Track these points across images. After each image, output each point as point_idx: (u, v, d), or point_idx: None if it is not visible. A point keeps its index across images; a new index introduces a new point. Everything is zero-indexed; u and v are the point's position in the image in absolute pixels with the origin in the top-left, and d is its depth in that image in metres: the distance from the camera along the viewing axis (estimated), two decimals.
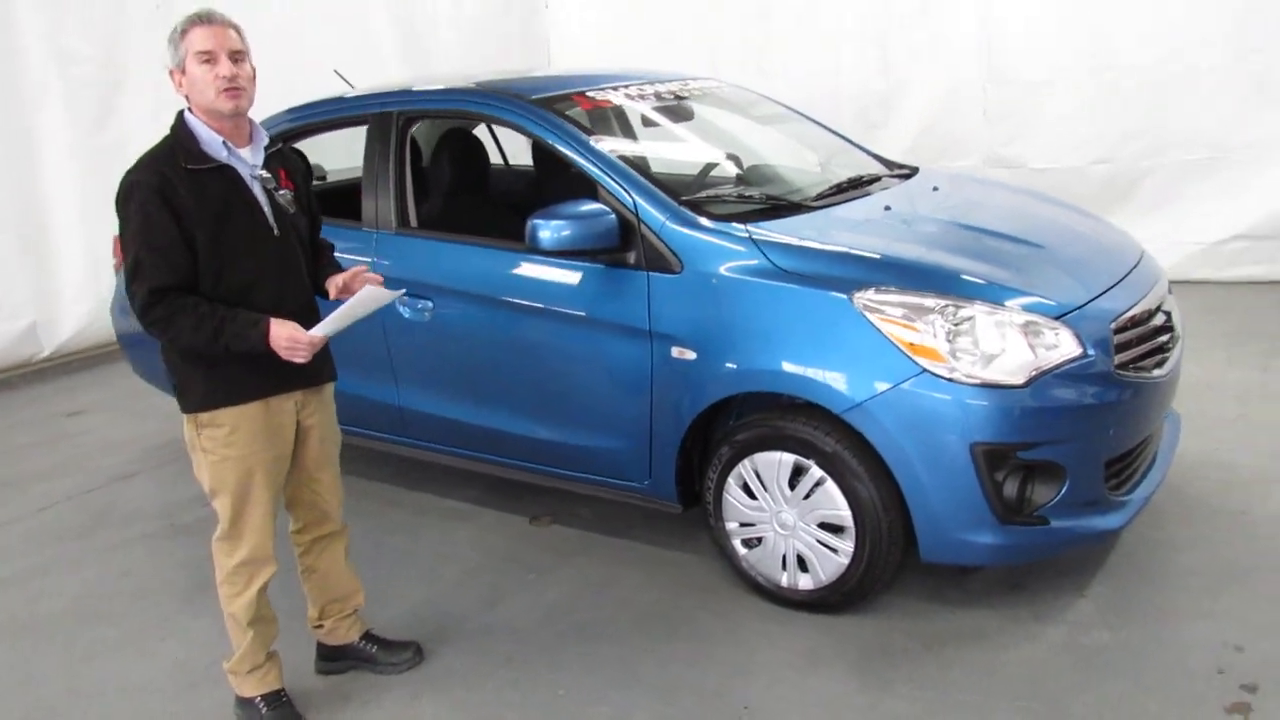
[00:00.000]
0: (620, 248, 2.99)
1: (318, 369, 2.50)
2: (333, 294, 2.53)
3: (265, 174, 2.40)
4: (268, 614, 2.60)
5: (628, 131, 3.85)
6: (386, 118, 3.63)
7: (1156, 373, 2.90)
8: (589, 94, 3.56)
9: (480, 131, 4.30)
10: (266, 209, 2.39)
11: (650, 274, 2.97)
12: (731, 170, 3.71)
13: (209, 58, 2.24)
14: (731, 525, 3.01)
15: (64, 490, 4.36)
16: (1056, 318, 2.68)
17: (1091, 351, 2.66)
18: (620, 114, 3.83)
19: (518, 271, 3.23)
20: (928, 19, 6.83)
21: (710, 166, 3.73)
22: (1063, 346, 2.64)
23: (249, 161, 2.37)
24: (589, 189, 3.14)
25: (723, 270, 2.88)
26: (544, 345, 3.21)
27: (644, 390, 3.02)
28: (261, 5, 6.77)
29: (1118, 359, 2.74)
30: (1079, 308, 2.75)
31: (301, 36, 6.96)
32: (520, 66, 7.87)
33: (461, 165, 3.91)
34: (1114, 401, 2.72)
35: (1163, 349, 2.98)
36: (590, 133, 3.32)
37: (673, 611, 3.03)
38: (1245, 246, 6.04)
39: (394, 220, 3.56)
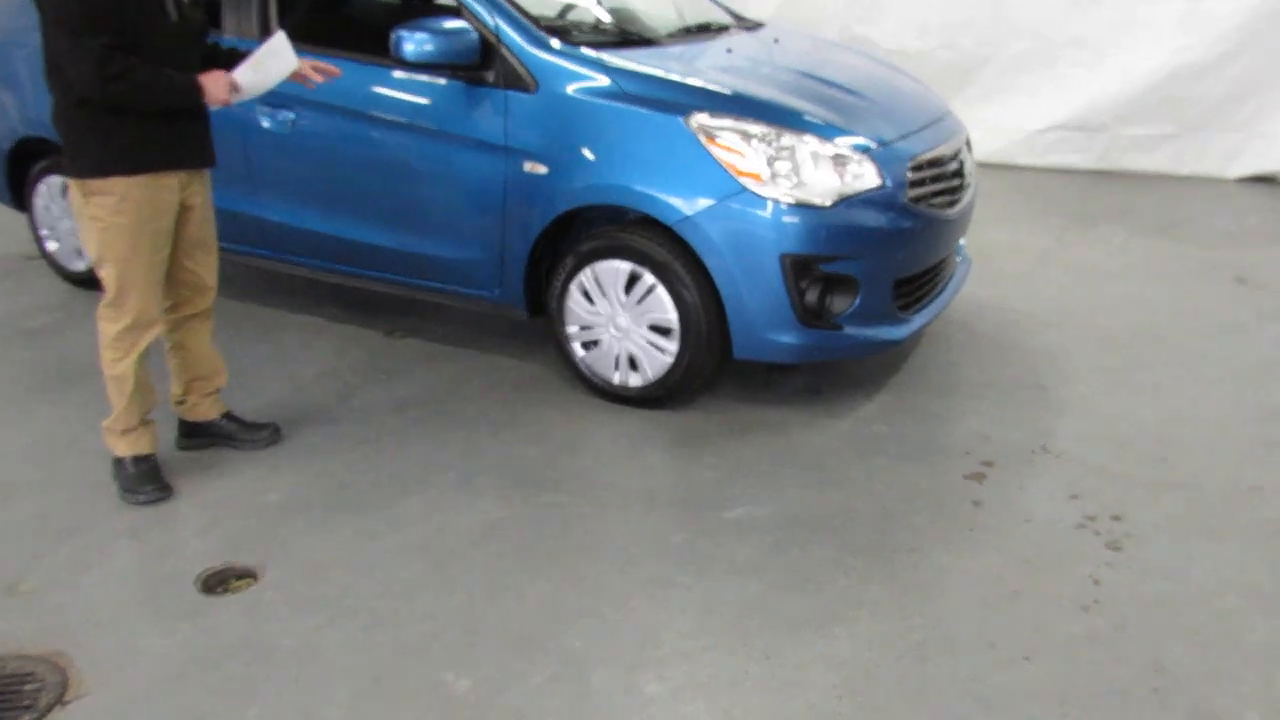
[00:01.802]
0: (480, 65, 3.29)
1: (202, 151, 2.78)
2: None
3: None
4: (147, 382, 2.87)
5: None
6: None
7: (947, 211, 3.45)
8: None
9: None
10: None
11: (508, 92, 3.28)
12: (591, 6, 4.01)
13: None
14: (573, 329, 3.44)
15: None
16: (864, 152, 3.16)
17: (890, 184, 3.17)
18: None
19: (380, 85, 3.48)
20: None
21: (570, 5, 4.02)
22: (866, 177, 3.13)
23: None
24: (445, 14, 3.38)
25: (574, 91, 3.22)
26: (403, 159, 3.49)
27: (497, 203, 3.36)
28: None
29: (912, 193, 3.26)
30: (884, 145, 3.24)
31: None
32: None
33: None
34: (905, 229, 3.24)
35: (954, 190, 3.53)
36: None
37: (516, 405, 3.46)
38: (1061, 136, 6.76)
39: (256, 31, 3.71)
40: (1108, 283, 4.61)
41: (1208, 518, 2.78)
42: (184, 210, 2.79)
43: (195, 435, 3.15)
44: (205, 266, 2.93)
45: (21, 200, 4.49)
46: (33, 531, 2.73)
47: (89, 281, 4.38)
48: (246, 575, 2.56)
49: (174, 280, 2.89)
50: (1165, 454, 3.12)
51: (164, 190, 2.69)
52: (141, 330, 2.77)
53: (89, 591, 2.49)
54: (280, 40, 2.72)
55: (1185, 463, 3.07)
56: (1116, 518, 2.77)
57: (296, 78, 2.84)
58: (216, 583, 2.54)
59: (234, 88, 2.65)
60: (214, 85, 2.63)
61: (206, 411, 3.13)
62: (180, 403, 3.11)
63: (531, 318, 3.57)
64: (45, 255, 4.50)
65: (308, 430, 3.27)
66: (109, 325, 2.76)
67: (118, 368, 2.79)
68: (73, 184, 2.64)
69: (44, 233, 4.45)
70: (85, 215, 2.65)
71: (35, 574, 2.55)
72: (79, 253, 4.37)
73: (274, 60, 2.70)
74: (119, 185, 2.60)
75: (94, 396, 3.39)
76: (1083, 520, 2.77)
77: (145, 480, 2.88)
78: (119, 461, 2.90)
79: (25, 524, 2.77)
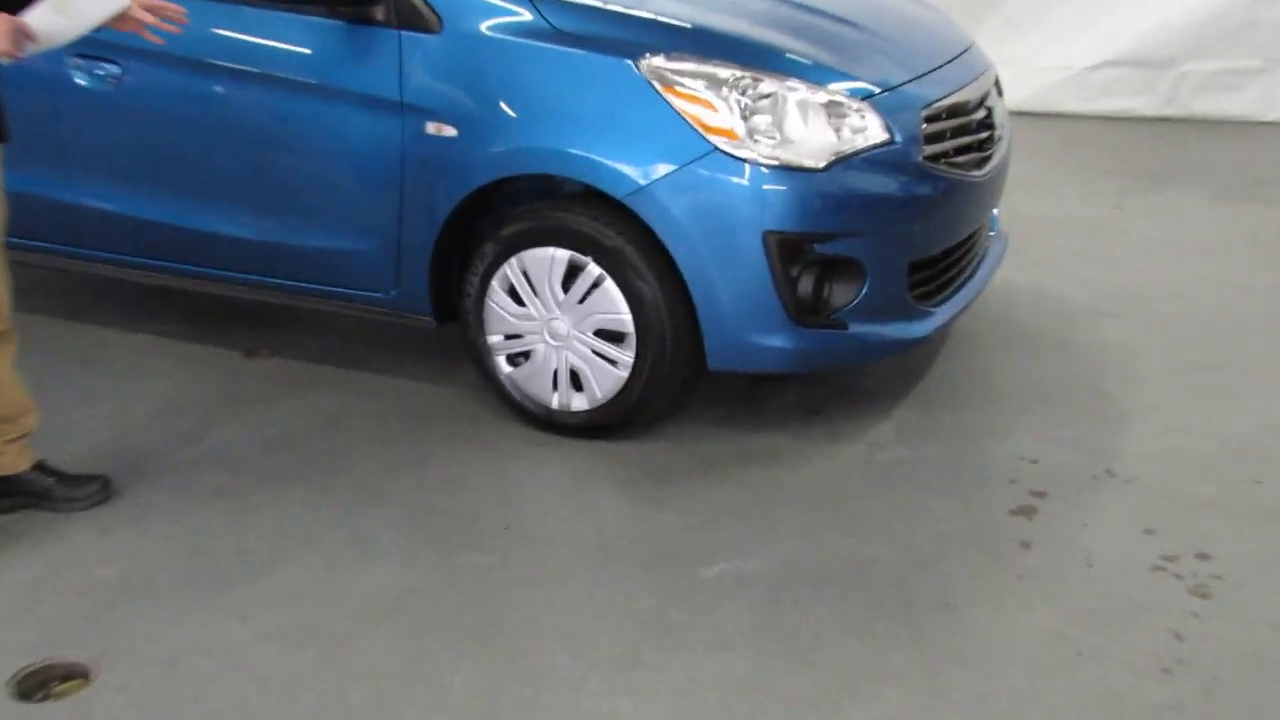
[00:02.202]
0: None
1: None
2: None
3: None
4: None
5: None
6: None
7: (974, 172, 3.58)
8: None
9: None
10: None
11: (402, 33, 3.34)
12: None
13: None
14: (495, 339, 3.50)
15: None
16: (865, 100, 3.27)
17: (900, 139, 3.27)
18: None
19: (233, 27, 3.53)
20: None
21: None
22: (869, 131, 3.24)
23: None
24: None
25: (489, 30, 3.30)
26: (265, 123, 3.54)
27: (392, 177, 3.42)
28: None
29: (928, 150, 3.37)
30: (890, 90, 3.35)
31: None
32: None
33: None
34: (921, 196, 3.35)
35: (982, 146, 3.66)
36: None
37: (423, 441, 3.51)
38: (1116, 75, 7.00)
39: None
40: (1181, 261, 4.78)
41: None
42: None
43: (2, 494, 3.15)
44: None
45: None
46: None
47: None
48: (75, 675, 2.56)
49: None
50: (1260, 474, 3.25)
51: None
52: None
53: None
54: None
55: None
56: (1202, 556, 2.89)
57: (126, 24, 2.84)
58: (35, 686, 2.54)
59: (25, 35, 2.61)
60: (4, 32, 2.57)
61: (12, 463, 3.12)
62: None
63: (440, 326, 3.63)
64: None
65: (147, 483, 3.28)
66: None
67: None
68: None
69: None
70: None
71: None
72: None
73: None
74: None
75: None
76: (1160, 561, 2.88)
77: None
78: None
79: None
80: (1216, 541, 2.95)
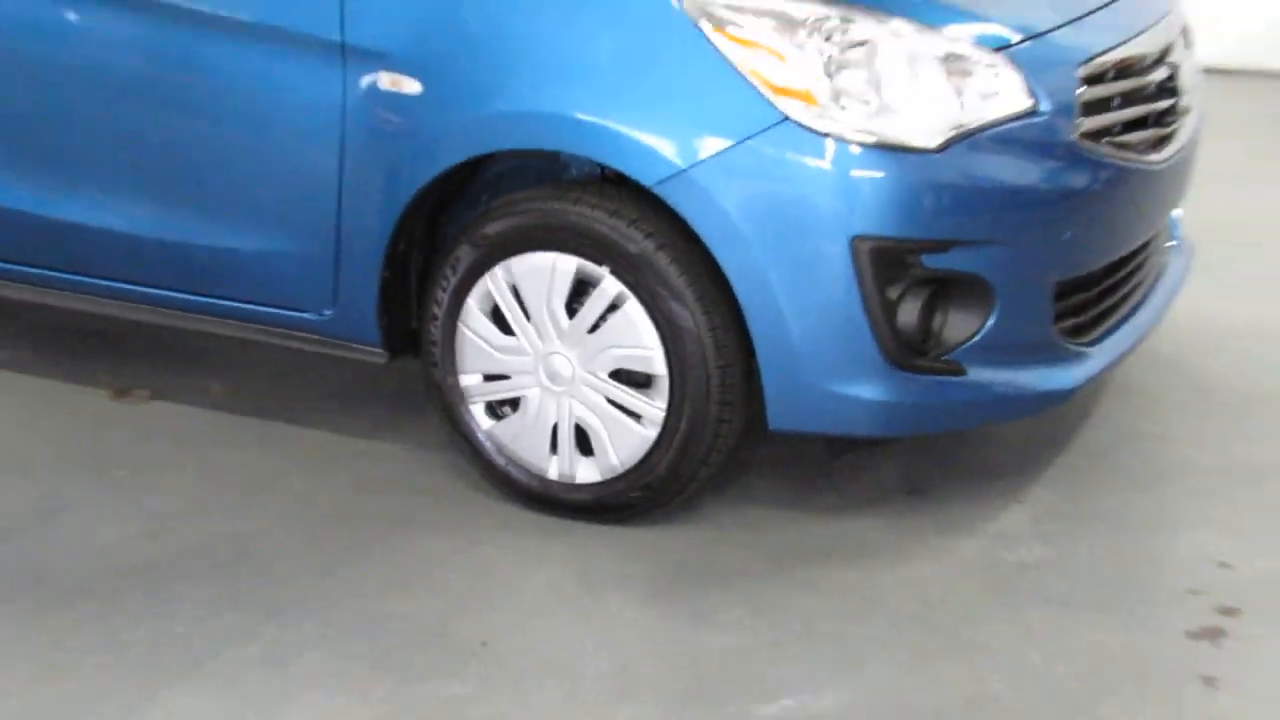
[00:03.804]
0: None
1: None
2: None
3: None
4: None
5: None
6: None
7: (1151, 156, 3.66)
8: None
9: None
10: None
11: None
12: None
13: None
14: (470, 379, 3.58)
15: None
16: (998, 50, 3.35)
17: (1046, 107, 3.35)
18: None
19: None
20: None
21: None
22: (1004, 96, 3.31)
23: None
24: None
25: None
26: (149, 68, 3.66)
27: (328, 148, 3.51)
28: None
29: (1086, 124, 3.45)
30: (1033, 38, 3.43)
31: None
32: None
33: None
34: (1074, 189, 3.43)
35: (1162, 121, 3.73)
36: None
37: (368, 524, 3.59)
38: None
39: None
40: None
41: None
42: None
43: None
44: None
45: None
46: None
47: None
48: None
49: None
50: None
51: None
52: None
53: None
54: None
55: None
56: None
57: None
58: None
59: None
60: None
61: None
62: None
63: (393, 360, 3.71)
64: None
65: None
66: None
67: None
68: None
69: None
70: None
71: None
72: None
73: None
74: None
75: None
76: None
77: None
78: None
79: None
80: None
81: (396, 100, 3.44)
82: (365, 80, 3.45)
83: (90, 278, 3.91)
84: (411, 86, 3.42)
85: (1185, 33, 4.05)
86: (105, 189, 3.79)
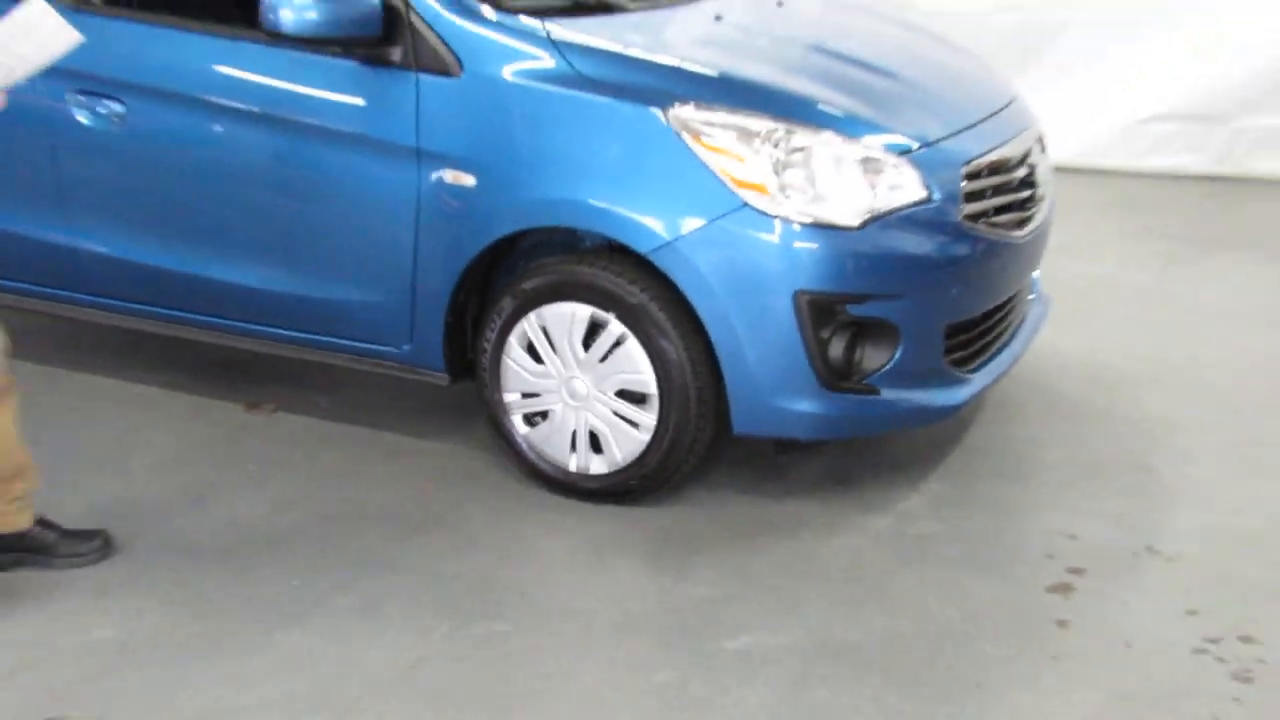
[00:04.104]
0: (383, 39, 3.49)
1: None
2: None
3: None
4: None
5: None
6: None
7: (1015, 232, 3.71)
8: None
9: None
10: None
11: (420, 75, 3.49)
12: None
13: None
14: (511, 396, 3.62)
15: None
16: (902, 154, 3.41)
17: (938, 196, 3.41)
18: None
19: (243, 67, 3.68)
20: None
21: None
22: (906, 188, 3.37)
23: None
24: None
25: (511, 75, 3.45)
26: (274, 166, 3.69)
27: (407, 225, 3.55)
28: None
29: (967, 209, 3.51)
30: (929, 145, 3.49)
31: None
32: None
33: None
34: (959, 257, 3.49)
35: (1024, 205, 3.79)
36: None
37: (433, 503, 3.63)
38: (1167, 131, 7.12)
39: None
40: (1231, 329, 4.89)
41: None
42: None
43: (4, 550, 3.23)
44: None
45: None
46: None
47: None
48: None
49: None
50: None
51: None
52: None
53: None
54: (39, 8, 2.74)
55: None
56: (1246, 639, 2.98)
57: None
58: None
59: None
60: None
61: (13, 521, 3.21)
62: None
63: (454, 382, 3.75)
64: None
65: (146, 542, 3.39)
66: None
67: None
68: None
69: None
70: None
71: None
72: None
73: (29, 39, 2.74)
74: None
75: None
76: (1202, 643, 2.97)
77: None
78: None
79: None
80: (1261, 624, 3.04)
81: (457, 190, 3.48)
82: (434, 176, 3.49)
83: (230, 320, 3.94)
84: (468, 181, 3.47)
85: (1040, 140, 4.10)
86: (243, 255, 3.82)
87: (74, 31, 2.84)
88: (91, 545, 3.29)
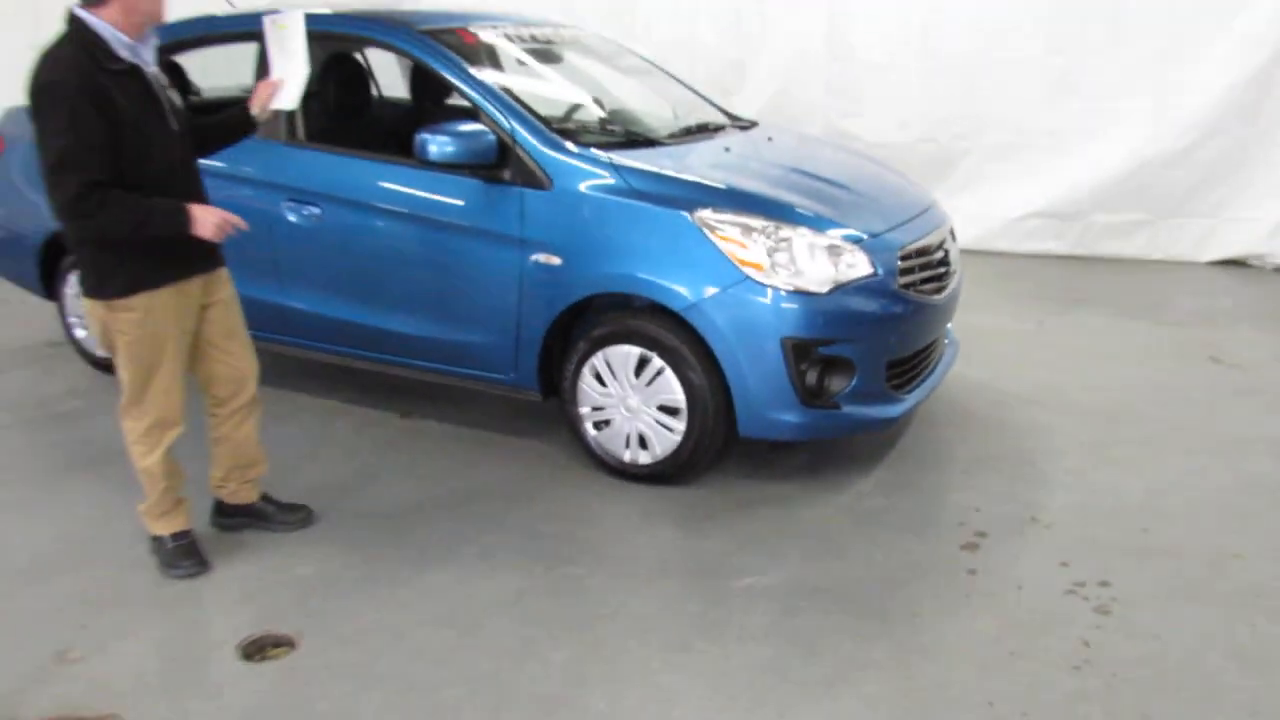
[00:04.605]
0: (497, 165, 3.54)
1: (213, 253, 2.92)
2: (256, 109, 3.03)
3: (160, 73, 2.75)
4: (175, 469, 3.02)
5: (504, 66, 4.35)
6: None
7: (935, 296, 3.69)
8: (471, 29, 4.08)
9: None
10: (166, 105, 2.74)
11: (523, 189, 3.52)
12: (595, 109, 4.31)
13: None
14: (585, 410, 3.63)
15: None
16: (855, 243, 3.41)
17: (881, 272, 3.41)
18: (498, 49, 4.32)
19: (401, 183, 3.72)
20: None
21: (576, 106, 4.32)
22: (859, 266, 3.37)
23: (148, 62, 2.69)
24: (461, 119, 3.64)
25: (586, 189, 3.47)
26: (424, 251, 3.72)
27: (513, 291, 3.58)
28: None
29: (902, 280, 3.50)
30: (874, 236, 3.49)
31: None
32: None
33: (348, 86, 4.35)
34: (896, 314, 3.47)
35: (940, 278, 3.77)
36: (472, 63, 3.84)
37: (531, 483, 3.63)
38: (1039, 224, 7.08)
39: (284, 132, 3.97)
40: (1089, 363, 4.85)
41: (1191, 583, 2.96)
42: (207, 309, 2.93)
43: (232, 515, 3.27)
44: (240, 355, 3.07)
45: (51, 290, 4.71)
46: (75, 605, 2.87)
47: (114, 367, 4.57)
48: (284, 643, 2.70)
49: (214, 376, 3.03)
50: (1149, 524, 3.31)
51: (185, 297, 2.83)
52: (164, 429, 2.91)
53: (135, 659, 2.63)
54: (293, 20, 2.97)
55: (1168, 531, 3.26)
56: (1104, 584, 2.95)
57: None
58: (255, 650, 2.68)
59: (228, 223, 2.72)
60: (205, 218, 2.68)
61: (245, 496, 3.25)
62: (220, 486, 3.23)
63: (545, 400, 3.76)
64: (73, 341, 4.70)
65: (333, 507, 3.42)
66: (133, 424, 2.90)
67: (145, 461, 2.93)
68: (93, 304, 2.77)
69: (72, 320, 4.66)
70: (111, 330, 2.78)
71: (82, 643, 2.69)
72: None
73: (288, 45, 2.96)
74: (141, 301, 2.73)
75: (123, 477, 3.54)
76: (1072, 586, 2.94)
77: (183, 556, 3.03)
78: (157, 539, 3.04)
79: (68, 598, 2.91)
80: (1115, 573, 3.01)
81: (548, 268, 3.50)
82: (532, 257, 3.51)
83: (389, 355, 3.97)
84: (556, 261, 3.49)
85: (951, 231, 4.08)
86: (401, 310, 3.85)
87: (297, 13, 3.03)
88: (298, 516, 3.31)
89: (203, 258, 2.88)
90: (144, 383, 2.84)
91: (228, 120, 3.07)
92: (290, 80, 3.01)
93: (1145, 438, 3.98)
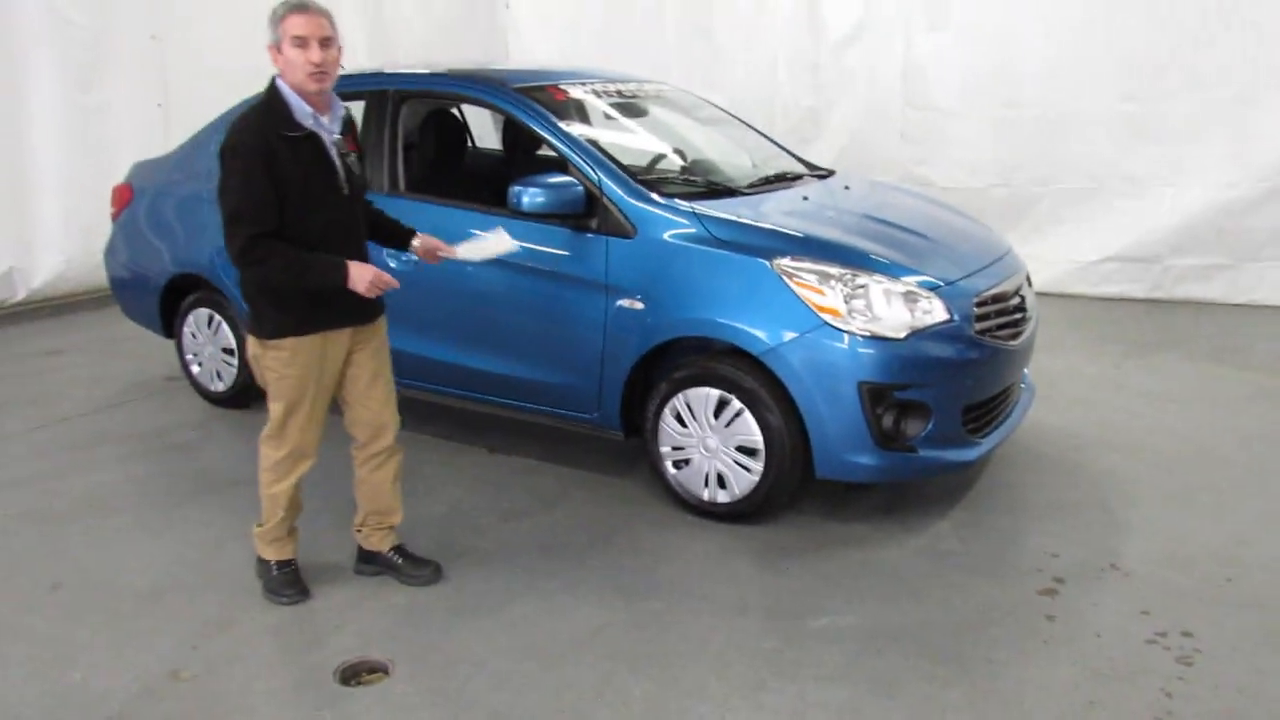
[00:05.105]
0: (585, 215, 3.60)
1: (370, 308, 2.98)
2: (419, 253, 3.14)
3: (340, 140, 2.86)
4: (297, 502, 3.07)
5: (592, 121, 4.44)
6: (383, 95, 4.18)
7: (1011, 342, 3.62)
8: (561, 86, 4.17)
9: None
10: (340, 172, 2.84)
11: (609, 238, 3.57)
12: (677, 160, 4.36)
13: (302, 43, 2.65)
14: (665, 449, 3.63)
15: (57, 414, 4.78)
16: (932, 290, 3.37)
17: (957, 318, 3.36)
18: (586, 105, 4.43)
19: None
20: (857, 46, 7.61)
21: (659, 157, 4.37)
22: (935, 313, 3.33)
23: (330, 130, 2.80)
24: (552, 169, 3.72)
25: (669, 237, 3.50)
26: (515, 295, 3.78)
27: (598, 335, 3.62)
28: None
29: (978, 326, 3.44)
30: (950, 283, 3.44)
31: None
32: (481, 58, 8.40)
33: (446, 139, 4.48)
34: (972, 359, 3.41)
35: (1016, 324, 3.70)
36: (562, 118, 3.92)
37: (613, 518, 3.64)
38: (1115, 267, 6.91)
39: (386, 183, 4.10)
40: (1167, 407, 4.69)
41: (1277, 635, 2.83)
42: (353, 356, 2.98)
43: (368, 561, 3.26)
44: (379, 403, 3.07)
45: (169, 329, 4.91)
46: (188, 626, 2.96)
47: (228, 401, 4.75)
48: (379, 670, 2.74)
49: (355, 420, 3.08)
50: (1231, 573, 3.17)
51: (332, 345, 2.91)
52: (298, 460, 2.98)
53: (241, 680, 2.70)
54: (498, 240, 3.18)
55: (1252, 581, 3.12)
56: (1186, 634, 2.83)
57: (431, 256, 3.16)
58: (352, 675, 2.72)
59: (380, 281, 2.81)
60: (361, 275, 2.76)
61: (378, 543, 3.24)
62: (358, 530, 3.25)
63: (626, 439, 3.78)
64: (189, 377, 4.88)
65: (425, 539, 3.46)
66: (270, 452, 2.99)
67: (274, 489, 3.01)
68: (251, 338, 2.91)
69: (189, 357, 4.85)
70: (262, 364, 2.91)
71: (193, 663, 2.77)
72: (219, 375, 4.74)
73: (482, 247, 3.17)
74: (290, 343, 2.84)
75: (236, 505, 3.69)
76: (1153, 635, 2.83)
77: (286, 584, 3.10)
78: (265, 564, 3.13)
79: (181, 619, 3.00)
80: (1197, 623, 2.89)
81: (632, 312, 3.54)
82: (618, 302, 3.55)
83: (480, 393, 4.03)
84: (640, 305, 3.52)
85: (1028, 277, 4.02)
86: (488, 350, 3.90)
87: (513, 242, 3.21)
88: (426, 571, 3.21)
89: (358, 311, 2.93)
90: (286, 417, 2.92)
91: (395, 230, 3.16)
92: (463, 252, 3.16)
93: (1226, 484, 3.83)
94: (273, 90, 2.77)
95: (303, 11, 2.69)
